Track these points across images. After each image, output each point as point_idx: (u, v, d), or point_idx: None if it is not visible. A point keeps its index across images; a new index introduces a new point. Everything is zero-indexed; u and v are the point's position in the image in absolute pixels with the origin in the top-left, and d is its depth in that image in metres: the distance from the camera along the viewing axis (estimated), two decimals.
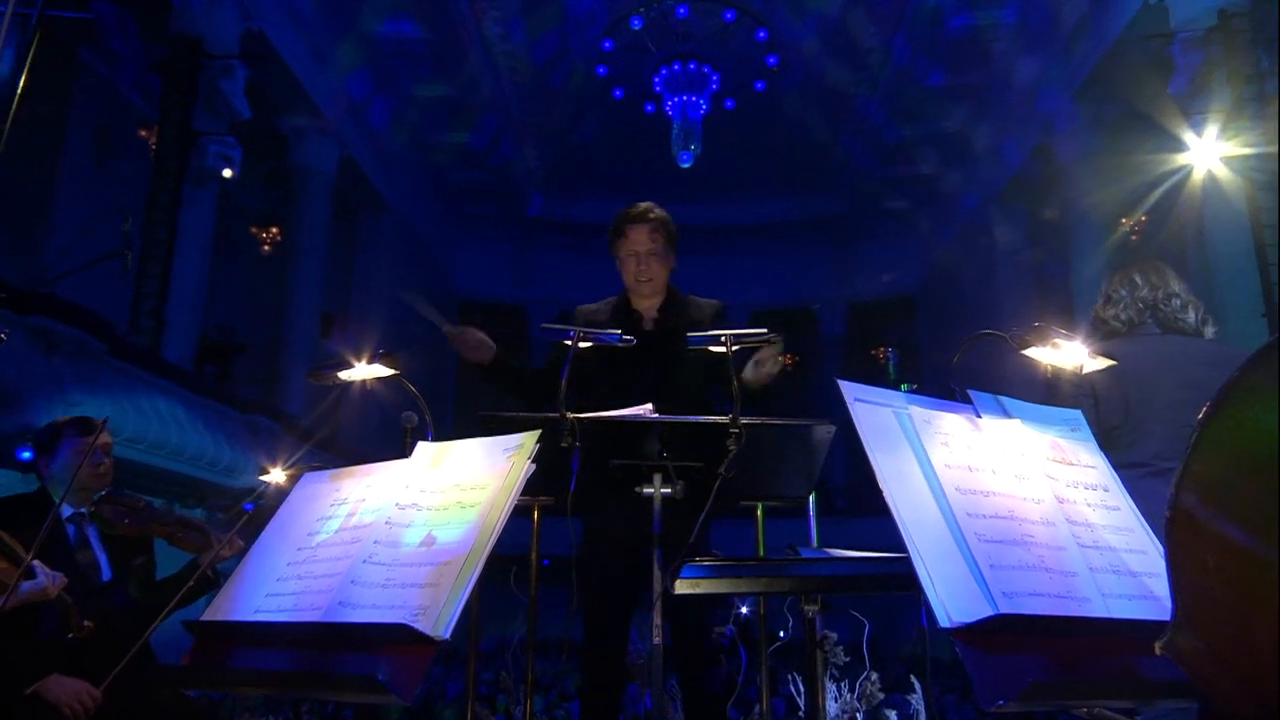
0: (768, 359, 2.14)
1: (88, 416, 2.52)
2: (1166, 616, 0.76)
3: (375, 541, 1.39)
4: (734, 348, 1.76)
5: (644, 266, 2.51)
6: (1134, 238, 10.24)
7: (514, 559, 2.26)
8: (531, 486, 1.41)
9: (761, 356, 2.15)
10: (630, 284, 2.55)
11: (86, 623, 1.96)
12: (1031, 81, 10.94)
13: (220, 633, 1.38)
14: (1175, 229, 8.95)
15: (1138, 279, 2.45)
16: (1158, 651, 0.76)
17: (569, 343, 1.80)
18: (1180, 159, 7.62)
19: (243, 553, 1.96)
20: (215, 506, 7.86)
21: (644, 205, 2.56)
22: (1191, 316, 2.39)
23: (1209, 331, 2.40)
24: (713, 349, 1.78)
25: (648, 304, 2.58)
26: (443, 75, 12.16)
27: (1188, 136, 7.47)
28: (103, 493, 2.40)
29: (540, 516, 2.30)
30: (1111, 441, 2.27)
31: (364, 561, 1.36)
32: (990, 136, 12.38)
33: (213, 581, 2.26)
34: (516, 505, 1.38)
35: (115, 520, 2.35)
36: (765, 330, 1.85)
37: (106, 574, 2.37)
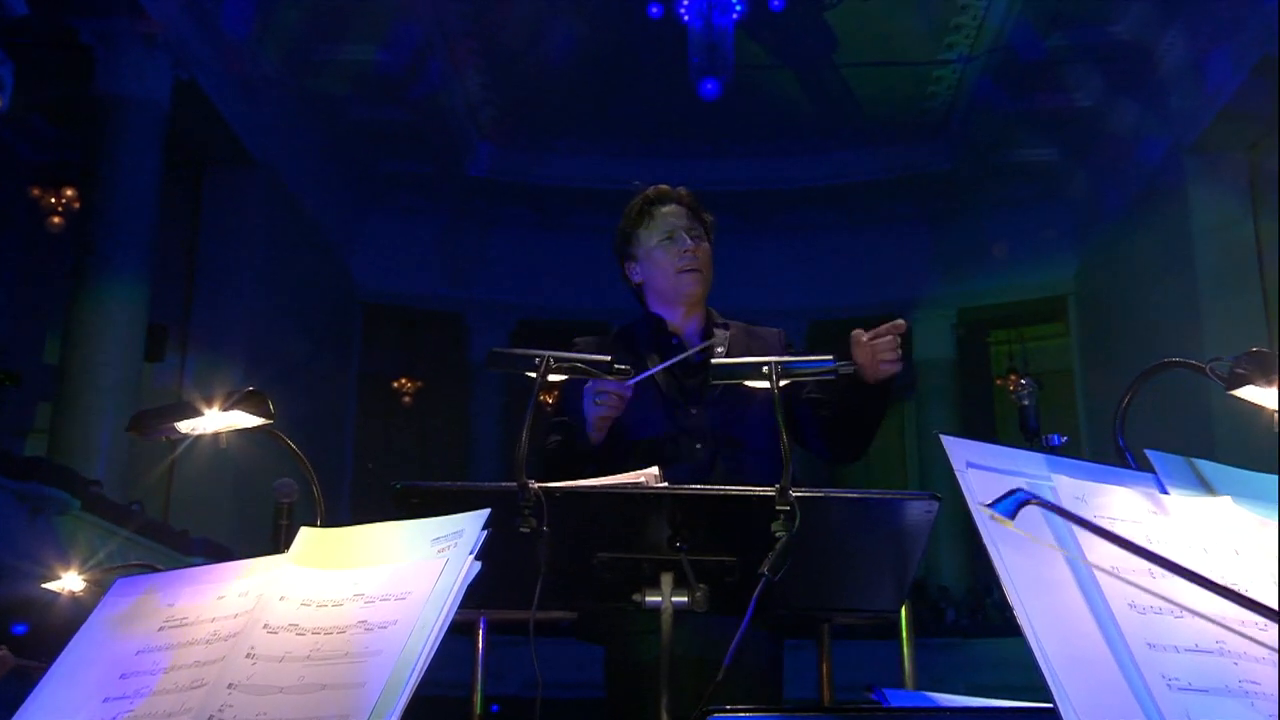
0: (883, 344, 2.22)
1: None
2: None
3: (229, 686, 1.39)
4: (782, 383, 1.77)
5: (689, 249, 2.62)
6: None
7: (447, 703, 2.26)
8: (475, 594, 1.42)
9: (868, 342, 2.22)
10: (666, 283, 2.63)
11: None
12: None
13: None
14: None
15: None
16: None
17: (533, 375, 1.81)
18: None
19: (9, 709, 1.96)
20: None
21: (664, 186, 2.71)
22: None
23: None
24: (752, 383, 1.80)
25: (689, 318, 2.69)
26: None
27: None
28: None
29: (487, 639, 2.29)
30: None
31: (212, 719, 1.36)
32: (1187, 46, 12.38)
33: None
34: (452, 622, 1.38)
35: None
36: (831, 358, 1.87)
37: None
